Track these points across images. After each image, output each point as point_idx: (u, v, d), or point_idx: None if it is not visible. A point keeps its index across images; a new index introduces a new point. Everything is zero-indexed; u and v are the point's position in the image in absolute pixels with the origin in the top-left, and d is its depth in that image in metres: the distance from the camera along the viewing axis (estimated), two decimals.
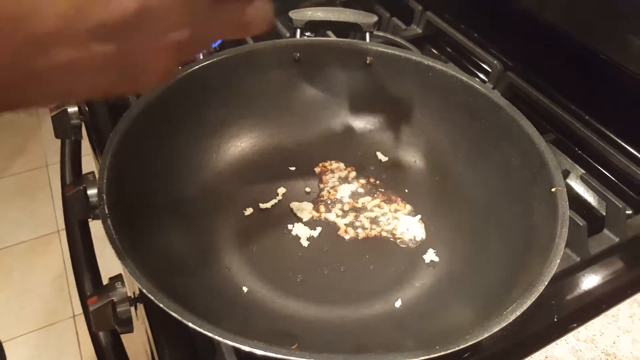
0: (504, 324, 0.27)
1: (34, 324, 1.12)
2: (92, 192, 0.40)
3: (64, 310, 1.14)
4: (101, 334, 0.43)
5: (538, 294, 0.28)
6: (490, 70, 0.58)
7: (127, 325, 0.38)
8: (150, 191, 0.39)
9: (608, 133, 0.51)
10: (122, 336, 0.42)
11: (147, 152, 0.39)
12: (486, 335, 0.26)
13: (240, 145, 0.46)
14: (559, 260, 0.30)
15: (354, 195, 0.45)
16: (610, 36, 0.51)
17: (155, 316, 0.37)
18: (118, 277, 0.38)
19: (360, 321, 0.35)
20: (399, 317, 0.35)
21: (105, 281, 0.39)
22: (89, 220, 0.48)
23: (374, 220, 0.43)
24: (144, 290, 0.29)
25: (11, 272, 1.19)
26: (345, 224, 0.43)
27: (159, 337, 0.36)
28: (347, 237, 0.42)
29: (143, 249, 0.34)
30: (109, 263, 0.40)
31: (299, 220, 0.43)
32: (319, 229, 0.42)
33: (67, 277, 1.19)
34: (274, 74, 0.46)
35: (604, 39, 0.51)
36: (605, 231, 0.43)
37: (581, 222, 0.40)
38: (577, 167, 0.50)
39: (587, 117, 0.52)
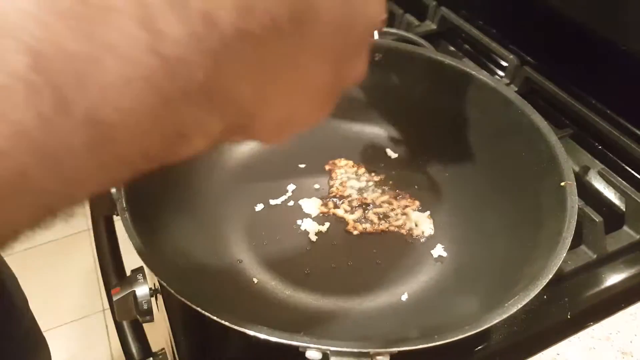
0: (504, 316, 0.27)
1: (66, 317, 1.17)
2: (115, 189, 0.41)
3: (95, 305, 1.19)
4: (124, 322, 0.45)
5: (541, 287, 0.28)
6: (506, 65, 0.57)
7: (148, 314, 0.40)
8: (166, 187, 0.40)
9: (629, 126, 0.49)
10: (145, 325, 0.44)
11: None
12: (485, 327, 0.26)
13: (251, 143, 0.47)
14: (564, 254, 0.29)
15: (363, 192, 0.45)
16: (631, 28, 0.49)
17: (172, 306, 0.38)
18: (140, 270, 0.40)
19: (365, 314, 0.36)
20: (404, 310, 0.35)
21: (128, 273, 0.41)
22: (114, 216, 0.50)
23: (382, 216, 0.43)
24: (158, 279, 0.30)
25: (43, 269, 1.25)
26: (353, 220, 0.43)
27: (176, 326, 0.38)
28: (355, 232, 0.42)
29: (159, 241, 0.36)
30: (134, 255, 0.43)
31: (308, 215, 0.43)
32: (327, 224, 0.42)
33: (98, 273, 1.23)
34: None
35: (625, 31, 0.50)
36: (625, 228, 0.42)
37: (597, 218, 0.39)
38: (597, 162, 0.48)
39: (607, 111, 0.51)
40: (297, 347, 0.26)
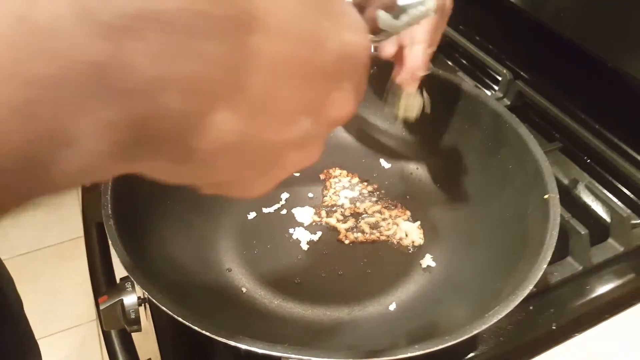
0: (484, 327, 0.27)
1: (59, 325, 1.16)
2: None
3: (90, 313, 1.18)
4: (112, 332, 0.45)
5: (521, 298, 0.28)
6: (500, 79, 0.58)
7: (136, 324, 0.39)
8: (155, 193, 0.40)
9: (617, 142, 0.50)
10: (135, 335, 0.44)
11: None
12: (465, 337, 0.27)
13: None
14: (545, 266, 0.30)
15: (356, 201, 0.46)
16: (619, 46, 0.51)
17: (159, 315, 0.38)
18: (128, 278, 0.40)
19: (353, 323, 0.36)
20: (392, 320, 0.36)
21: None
22: None
23: (374, 226, 0.44)
24: (141, 287, 0.30)
25: (39, 275, 1.24)
26: (345, 229, 0.43)
27: (163, 335, 0.38)
28: (346, 241, 0.43)
29: (147, 249, 0.36)
30: None
31: (300, 224, 0.44)
32: (319, 233, 0.43)
33: None
34: None
35: (613, 49, 0.51)
36: (610, 240, 0.42)
37: (583, 230, 0.40)
38: (585, 175, 0.49)
39: (596, 126, 0.52)
40: (279, 358, 0.26)
